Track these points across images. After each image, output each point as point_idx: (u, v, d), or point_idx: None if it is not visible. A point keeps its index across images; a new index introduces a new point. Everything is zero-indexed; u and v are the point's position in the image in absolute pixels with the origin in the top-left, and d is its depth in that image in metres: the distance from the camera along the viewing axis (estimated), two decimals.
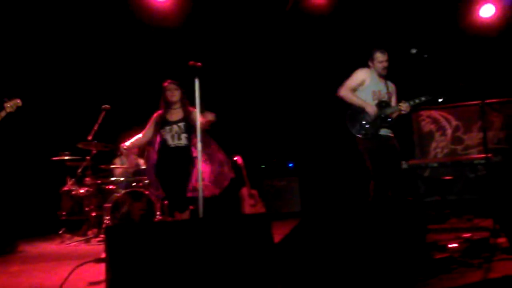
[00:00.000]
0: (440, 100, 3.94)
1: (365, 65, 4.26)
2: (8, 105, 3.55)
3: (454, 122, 6.82)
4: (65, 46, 6.34)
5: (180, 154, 4.05)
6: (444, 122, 6.86)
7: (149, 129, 4.21)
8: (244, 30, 6.84)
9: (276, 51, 7.19)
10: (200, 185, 3.15)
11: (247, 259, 1.88)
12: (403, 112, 4.07)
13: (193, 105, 3.74)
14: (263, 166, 8.03)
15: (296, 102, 7.56)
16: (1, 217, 4.67)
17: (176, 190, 4.01)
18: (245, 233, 1.96)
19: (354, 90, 4.18)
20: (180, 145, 4.07)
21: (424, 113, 6.90)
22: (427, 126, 6.91)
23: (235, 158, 6.83)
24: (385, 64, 4.17)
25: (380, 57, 4.16)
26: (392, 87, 4.31)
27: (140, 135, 4.29)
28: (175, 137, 4.07)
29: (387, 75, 4.25)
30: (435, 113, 6.88)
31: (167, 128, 4.08)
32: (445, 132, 6.83)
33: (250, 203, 6.75)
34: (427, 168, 5.78)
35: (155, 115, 4.21)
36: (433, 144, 6.85)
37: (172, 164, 4.05)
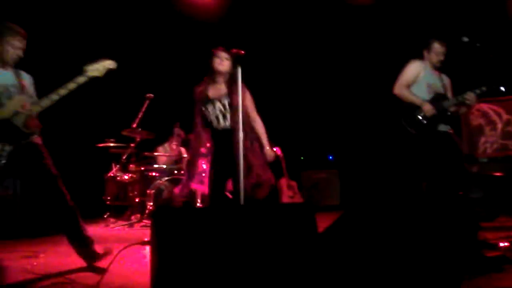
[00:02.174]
0: (502, 89, 3.67)
1: (409, 57, 4.00)
2: (92, 68, 2.95)
3: (505, 116, 6.50)
4: (115, 36, 6.50)
5: (231, 138, 3.27)
6: (494, 116, 6.55)
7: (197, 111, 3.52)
8: (290, 21, 6.76)
9: (321, 43, 7.08)
10: (240, 169, 2.93)
11: (290, 248, 1.86)
12: (468, 103, 3.76)
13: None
14: (303, 158, 7.97)
15: (339, 94, 7.44)
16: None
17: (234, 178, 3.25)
18: (287, 222, 1.94)
19: (409, 85, 3.91)
20: (227, 127, 3.40)
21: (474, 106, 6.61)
22: (476, 120, 6.62)
23: (274, 149, 6.81)
24: (442, 57, 3.92)
25: (438, 48, 3.89)
26: (447, 80, 4.05)
27: (194, 143, 3.62)
28: (220, 118, 3.42)
29: (441, 68, 4.00)
30: (484, 106, 6.58)
31: (209, 107, 3.44)
32: (495, 127, 6.52)
33: (288, 195, 6.73)
34: (476, 163, 5.55)
35: (195, 94, 3.57)
36: (483, 139, 6.56)
37: (224, 150, 3.36)
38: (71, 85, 2.91)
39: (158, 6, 6.36)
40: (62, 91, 2.89)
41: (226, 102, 3.42)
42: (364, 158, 7.35)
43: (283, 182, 6.78)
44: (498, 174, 5.50)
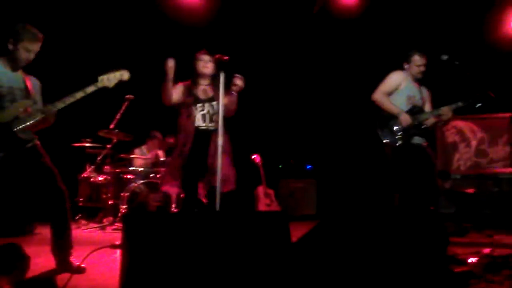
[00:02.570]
0: (478, 105, 3.73)
1: (391, 69, 4.08)
2: (103, 78, 2.95)
3: (479, 134, 6.66)
4: (95, 36, 6.42)
5: (211, 139, 3.44)
6: (469, 133, 6.71)
7: (178, 92, 3.55)
8: (270, 30, 6.81)
9: (300, 52, 7.15)
10: (218, 176, 2.96)
11: (263, 256, 1.85)
12: (444, 117, 3.85)
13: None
14: (281, 166, 7.99)
15: (318, 104, 7.51)
16: (19, 199, 4.75)
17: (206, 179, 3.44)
18: (262, 229, 1.93)
19: (389, 94, 3.96)
20: (212, 128, 3.47)
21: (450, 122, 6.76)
22: (452, 136, 6.77)
23: (253, 156, 6.82)
24: (423, 68, 3.97)
25: (418, 60, 3.96)
26: (426, 93, 4.11)
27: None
28: (206, 118, 3.50)
29: (421, 80, 4.07)
30: (460, 124, 6.73)
31: (198, 105, 3.50)
32: (469, 144, 6.68)
33: (265, 202, 6.72)
34: (449, 179, 5.66)
35: (180, 83, 3.60)
36: (457, 156, 6.71)
37: (202, 149, 3.45)
38: (79, 94, 2.88)
39: (141, 8, 6.31)
40: (69, 99, 2.85)
41: (214, 104, 3.52)
42: (341, 168, 7.41)
43: (261, 189, 6.77)
44: (470, 190, 5.63)
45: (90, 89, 2.90)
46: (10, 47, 2.82)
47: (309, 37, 7.02)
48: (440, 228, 2.63)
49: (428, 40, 5.92)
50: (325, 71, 7.29)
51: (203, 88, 3.61)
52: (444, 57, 3.77)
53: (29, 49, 2.82)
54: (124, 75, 3.03)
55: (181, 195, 4.98)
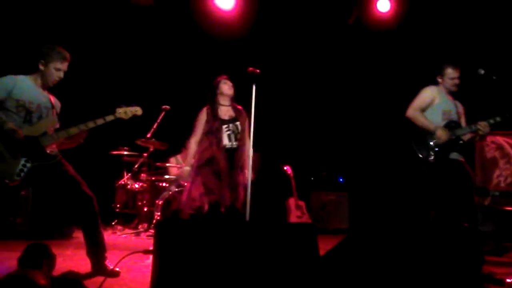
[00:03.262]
0: None
1: (429, 83, 4.00)
2: (121, 111, 3.17)
3: None
4: (136, 48, 6.66)
5: (236, 157, 3.68)
6: (509, 149, 6.47)
7: (198, 134, 3.82)
8: (304, 42, 6.85)
9: (335, 64, 7.15)
10: (248, 187, 3.09)
11: (290, 267, 1.87)
12: (481, 132, 3.73)
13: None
14: (313, 178, 7.94)
15: (352, 116, 7.45)
16: (60, 205, 4.94)
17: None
18: (290, 241, 1.96)
19: (423, 110, 3.89)
20: (236, 146, 3.70)
21: (489, 138, 6.53)
22: (491, 152, 6.54)
23: (285, 168, 6.83)
24: (457, 81, 3.90)
25: (451, 73, 3.89)
26: (460, 107, 4.03)
27: (193, 146, 3.86)
28: (231, 137, 3.71)
29: (456, 94, 3.99)
30: (500, 139, 6.51)
31: (224, 126, 3.72)
32: (510, 160, 6.43)
33: (296, 214, 6.70)
34: (488, 196, 5.47)
35: (201, 112, 3.86)
36: (497, 172, 6.47)
37: (229, 167, 3.65)
38: (100, 121, 3.08)
39: (179, 22, 6.51)
40: (90, 124, 3.05)
41: (238, 124, 3.77)
42: (375, 181, 7.30)
43: (292, 201, 6.76)
44: (510, 208, 5.41)
45: (109, 118, 3.14)
46: (41, 67, 3.01)
47: (344, 48, 7.01)
48: (475, 246, 2.56)
49: (465, 54, 5.80)
50: (360, 83, 7.24)
51: (224, 108, 3.84)
52: (481, 72, 3.68)
53: (59, 69, 3.01)
54: (138, 111, 3.27)
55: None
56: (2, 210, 3.33)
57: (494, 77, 3.63)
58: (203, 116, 3.83)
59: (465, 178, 3.76)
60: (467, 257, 2.40)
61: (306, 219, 6.70)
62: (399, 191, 6.58)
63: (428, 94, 3.92)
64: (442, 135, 3.75)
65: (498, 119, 3.72)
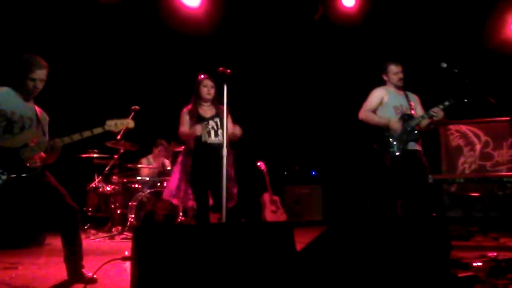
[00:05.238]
0: (465, 100, 3.81)
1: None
2: (112, 123, 3.09)
3: (483, 138, 6.68)
4: (101, 49, 6.54)
5: (219, 152, 3.58)
6: (473, 137, 6.73)
7: (186, 125, 3.86)
8: (272, 39, 6.89)
9: (303, 60, 7.22)
10: (224, 189, 3.12)
11: (269, 266, 1.91)
12: (435, 118, 3.94)
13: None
14: (286, 173, 8.04)
15: (321, 110, 7.56)
16: (29, 210, 4.83)
17: (214, 189, 3.70)
18: (267, 240, 1.99)
19: (374, 110, 4.12)
20: (218, 142, 3.73)
21: (453, 127, 6.79)
22: (456, 140, 6.79)
23: (258, 164, 6.89)
24: (401, 75, 4.14)
25: (394, 69, 4.14)
26: (414, 97, 4.24)
27: (181, 132, 3.91)
28: (211, 133, 3.80)
29: (407, 87, 4.19)
30: (464, 128, 6.76)
31: (203, 124, 3.80)
32: (473, 148, 6.70)
33: (271, 209, 6.78)
34: (454, 183, 5.69)
35: (184, 110, 3.95)
36: (461, 159, 6.73)
37: (212, 162, 3.65)
38: (86, 133, 2.97)
39: (146, 20, 6.42)
40: (76, 136, 2.94)
41: (218, 120, 3.83)
42: (346, 174, 7.45)
43: (266, 196, 6.83)
44: (475, 194, 5.65)
45: (97, 130, 3.03)
46: (19, 78, 2.90)
47: (311, 44, 7.09)
48: (442, 233, 2.67)
49: (428, 48, 6.00)
50: (328, 78, 7.35)
51: (205, 107, 3.92)
52: (444, 65, 3.84)
53: (34, 78, 2.89)
54: (130, 124, 3.19)
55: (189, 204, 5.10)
56: None
57: (455, 70, 3.79)
58: (184, 114, 3.90)
59: (420, 166, 4.00)
60: (435, 243, 2.50)
61: (280, 213, 6.79)
62: (368, 183, 6.75)
63: (376, 95, 4.16)
64: (396, 126, 3.96)
65: (446, 103, 3.93)
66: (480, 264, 3.06)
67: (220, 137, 3.74)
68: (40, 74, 2.91)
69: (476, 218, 5.76)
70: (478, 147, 6.69)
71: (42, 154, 2.92)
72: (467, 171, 6.61)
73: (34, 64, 2.90)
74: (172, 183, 3.94)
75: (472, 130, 6.74)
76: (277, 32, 6.82)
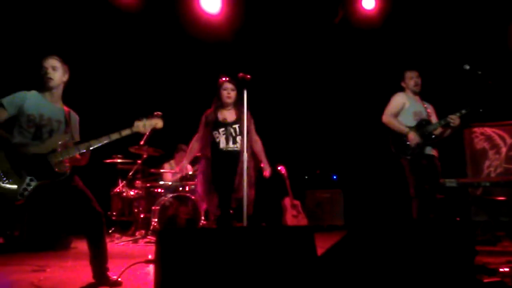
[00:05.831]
0: (480, 110, 3.90)
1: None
2: (140, 124, 3.04)
3: (509, 140, 6.51)
4: (125, 55, 6.67)
5: (237, 159, 3.62)
6: (498, 140, 6.57)
7: (200, 132, 3.86)
8: (292, 43, 6.91)
9: (323, 64, 7.21)
10: (245, 194, 3.12)
11: (289, 270, 1.92)
12: (452, 124, 4.03)
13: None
14: (307, 177, 8.02)
15: (342, 114, 7.52)
16: (56, 215, 4.95)
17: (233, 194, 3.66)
18: (288, 244, 2.00)
19: (396, 115, 4.25)
20: (236, 149, 3.69)
21: (478, 130, 6.64)
22: (480, 143, 6.64)
23: (279, 168, 6.89)
24: (417, 80, 4.27)
25: (409, 74, 4.28)
26: (429, 106, 4.37)
27: (195, 144, 3.94)
28: (230, 140, 3.72)
29: (427, 92, 4.33)
30: (489, 130, 6.60)
31: (221, 130, 3.74)
32: (499, 151, 6.53)
33: (292, 214, 6.76)
34: (479, 187, 5.57)
35: (204, 114, 3.90)
36: (487, 163, 6.57)
37: (231, 168, 3.64)
38: (115, 136, 2.96)
39: (168, 27, 6.53)
40: (104, 139, 2.94)
41: (237, 126, 3.75)
42: (367, 178, 7.38)
43: (287, 201, 6.82)
44: (501, 198, 5.52)
45: (125, 132, 3.00)
46: (38, 77, 2.95)
47: (332, 48, 7.07)
48: (467, 238, 2.63)
49: (451, 50, 5.91)
50: (349, 81, 7.31)
51: (225, 112, 3.85)
52: (467, 67, 3.80)
53: (44, 66, 2.93)
54: (159, 123, 3.13)
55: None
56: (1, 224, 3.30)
57: (479, 72, 3.75)
58: (204, 119, 3.86)
59: (434, 171, 4.11)
60: (460, 249, 2.46)
61: (301, 218, 6.77)
62: (390, 187, 6.67)
63: (398, 100, 4.28)
64: (413, 138, 4.08)
65: (463, 111, 4.02)
66: (507, 269, 3.00)
67: (238, 145, 3.70)
68: (49, 62, 2.94)
69: (503, 222, 5.62)
70: (503, 150, 6.52)
71: (77, 155, 2.94)
72: (492, 175, 6.45)
73: (43, 58, 2.95)
74: (199, 190, 3.92)
75: (497, 133, 6.58)
76: (297, 37, 6.83)
